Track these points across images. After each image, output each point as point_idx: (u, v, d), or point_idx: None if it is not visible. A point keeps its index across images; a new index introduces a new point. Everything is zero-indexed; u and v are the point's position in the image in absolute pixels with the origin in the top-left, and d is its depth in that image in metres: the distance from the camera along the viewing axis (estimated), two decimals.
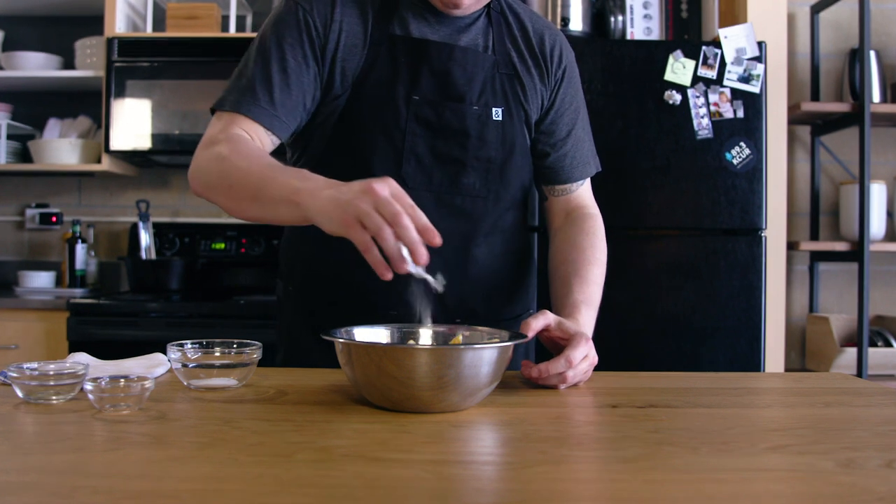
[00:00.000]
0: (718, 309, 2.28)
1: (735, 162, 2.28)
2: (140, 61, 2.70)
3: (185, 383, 1.00)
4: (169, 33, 2.74)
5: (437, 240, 0.85)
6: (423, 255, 0.85)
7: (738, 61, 2.29)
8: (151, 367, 1.09)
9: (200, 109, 2.68)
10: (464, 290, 1.25)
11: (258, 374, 1.08)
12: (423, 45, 1.21)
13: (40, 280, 2.91)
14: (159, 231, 2.95)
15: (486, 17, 1.28)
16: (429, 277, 0.90)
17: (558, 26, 2.50)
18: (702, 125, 2.28)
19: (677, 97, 2.28)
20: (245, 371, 1.01)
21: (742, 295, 2.28)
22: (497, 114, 1.25)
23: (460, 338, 1.03)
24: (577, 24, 2.54)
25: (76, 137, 2.90)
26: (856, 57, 2.81)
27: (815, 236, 2.97)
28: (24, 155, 2.96)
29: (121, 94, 2.69)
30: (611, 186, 1.97)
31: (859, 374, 2.54)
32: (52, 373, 0.92)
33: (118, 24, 2.75)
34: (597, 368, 1.10)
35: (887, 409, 0.97)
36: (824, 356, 2.75)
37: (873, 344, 2.67)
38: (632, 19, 2.63)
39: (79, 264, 2.92)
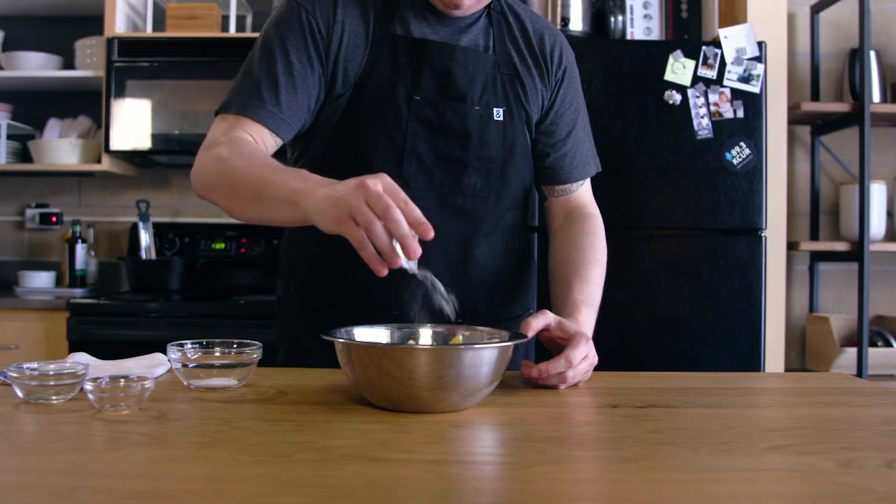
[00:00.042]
0: (718, 309, 2.28)
1: (735, 162, 2.28)
2: (140, 61, 2.70)
3: (185, 383, 1.00)
4: (169, 33, 2.74)
5: (430, 234, 0.85)
6: (416, 248, 0.84)
7: (738, 61, 2.29)
8: (151, 367, 1.09)
9: (200, 109, 2.68)
10: (464, 290, 1.24)
11: (258, 374, 1.08)
12: (425, 45, 1.21)
13: (40, 280, 2.91)
14: (159, 231, 2.95)
15: (487, 18, 1.28)
16: (418, 272, 0.90)
17: (558, 26, 2.50)
18: (702, 125, 2.28)
19: (677, 97, 2.28)
20: (245, 371, 1.01)
21: (742, 295, 2.28)
22: (498, 114, 1.25)
23: (460, 338, 1.03)
24: (577, 24, 2.54)
25: (76, 137, 2.90)
26: (856, 57, 2.81)
27: (815, 236, 2.97)
28: (24, 155, 2.96)
29: (121, 94, 2.69)
30: (611, 186, 1.97)
31: (859, 374, 2.54)
32: (52, 373, 0.92)
33: (118, 24, 2.75)
34: (597, 368, 1.10)
35: (887, 409, 0.97)
36: (824, 356, 2.75)
37: (873, 344, 2.67)
38: (632, 19, 2.63)
39: (79, 264, 2.92)
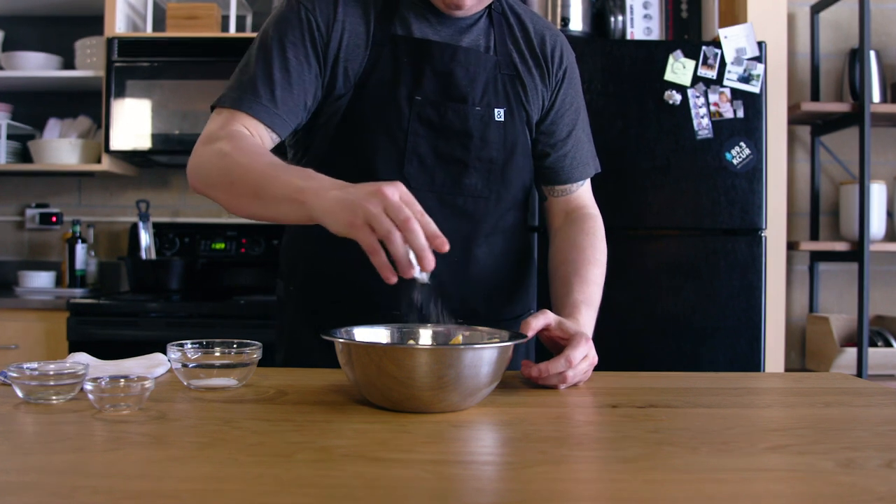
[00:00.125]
0: (718, 309, 2.28)
1: (735, 162, 2.28)
2: (140, 61, 2.70)
3: (185, 383, 1.00)
4: (169, 33, 2.74)
5: (446, 247, 0.85)
6: (431, 261, 0.85)
7: (738, 61, 2.29)
8: (151, 367, 1.09)
9: (200, 109, 2.68)
10: (465, 290, 1.25)
11: (258, 374, 1.08)
12: (426, 45, 1.21)
13: (40, 280, 2.91)
14: (159, 231, 2.95)
15: (488, 18, 1.28)
16: (428, 282, 0.90)
17: (558, 26, 2.50)
18: (702, 125, 2.28)
19: (677, 97, 2.28)
20: (245, 371, 1.01)
21: (742, 295, 2.28)
22: (499, 114, 1.25)
23: (460, 338, 1.03)
24: (577, 24, 2.54)
25: (76, 137, 2.90)
26: (856, 57, 2.81)
27: (815, 236, 2.97)
28: (24, 155, 2.96)
29: (121, 94, 2.69)
30: (611, 186, 1.97)
31: (859, 374, 2.54)
32: (52, 373, 0.92)
33: (118, 24, 2.75)
34: (597, 368, 1.10)
35: (887, 409, 0.97)
36: (824, 356, 2.75)
37: (873, 344, 2.67)
38: (632, 19, 2.63)
39: (79, 264, 2.92)
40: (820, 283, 2.98)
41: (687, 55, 2.28)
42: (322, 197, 0.91)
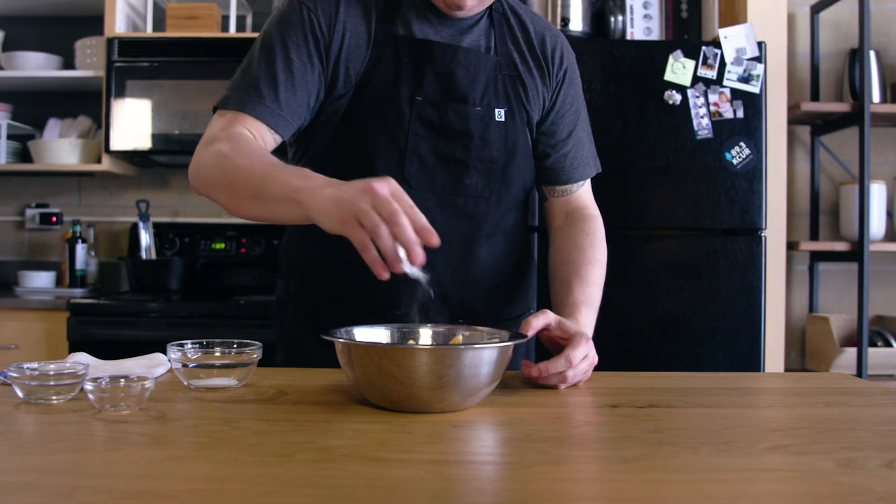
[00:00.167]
0: (718, 309, 2.28)
1: (735, 162, 2.28)
2: (140, 61, 2.70)
3: (185, 383, 1.00)
4: (169, 33, 2.74)
5: (435, 240, 0.85)
6: (420, 255, 0.84)
7: (737, 61, 2.29)
8: (151, 367, 1.09)
9: (200, 109, 2.68)
10: (465, 290, 1.25)
11: (258, 374, 1.08)
12: (427, 45, 1.22)
13: (40, 280, 2.91)
14: (159, 231, 2.95)
15: (489, 19, 1.28)
16: (423, 278, 0.90)
17: (558, 26, 2.50)
18: (702, 125, 2.28)
19: (677, 97, 2.28)
20: (245, 371, 1.01)
21: (742, 295, 2.28)
22: (499, 115, 1.25)
23: (460, 338, 1.03)
24: (577, 24, 2.54)
25: (76, 137, 2.90)
26: (856, 57, 2.81)
27: (815, 236, 2.97)
28: (24, 155, 2.96)
29: (121, 94, 2.69)
30: (611, 186, 1.97)
31: (859, 374, 2.54)
32: (52, 373, 0.92)
33: (118, 24, 2.75)
34: (597, 368, 1.10)
35: (887, 409, 0.97)
36: (824, 356, 2.75)
37: (873, 344, 2.67)
38: (632, 19, 2.63)
39: (79, 264, 2.92)
40: (820, 283, 2.98)
41: (687, 55, 2.28)
42: (317, 195, 0.92)
